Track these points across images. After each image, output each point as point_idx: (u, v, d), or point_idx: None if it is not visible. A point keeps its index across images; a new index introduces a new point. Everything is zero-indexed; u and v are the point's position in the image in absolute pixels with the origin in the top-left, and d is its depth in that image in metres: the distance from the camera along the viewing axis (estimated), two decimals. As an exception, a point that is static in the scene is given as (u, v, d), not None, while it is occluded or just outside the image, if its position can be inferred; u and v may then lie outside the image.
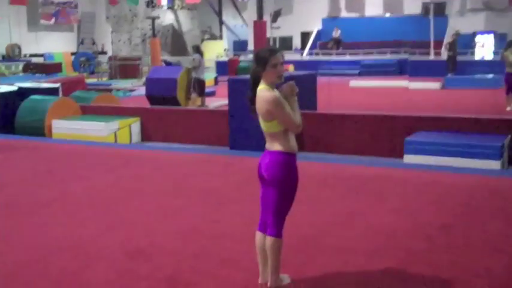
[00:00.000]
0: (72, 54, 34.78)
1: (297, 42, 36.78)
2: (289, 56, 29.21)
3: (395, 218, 5.79)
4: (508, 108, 14.22)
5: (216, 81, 24.99)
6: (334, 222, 5.72)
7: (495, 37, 28.36)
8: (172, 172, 8.25)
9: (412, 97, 18.24)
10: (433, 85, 20.95)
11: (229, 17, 41.42)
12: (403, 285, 4.21)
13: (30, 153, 10.01)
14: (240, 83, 9.79)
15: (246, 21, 36.43)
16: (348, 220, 5.80)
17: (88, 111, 12.78)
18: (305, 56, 32.97)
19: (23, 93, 12.91)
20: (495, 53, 26.59)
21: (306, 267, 4.55)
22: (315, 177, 7.36)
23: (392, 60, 29.19)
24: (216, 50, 36.85)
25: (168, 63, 28.61)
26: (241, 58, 31.79)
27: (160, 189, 7.22)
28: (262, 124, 4.02)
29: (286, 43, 34.95)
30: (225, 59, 33.07)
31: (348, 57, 30.90)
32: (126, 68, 27.72)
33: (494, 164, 8.07)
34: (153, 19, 30.15)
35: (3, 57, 33.31)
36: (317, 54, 32.59)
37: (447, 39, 26.37)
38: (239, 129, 9.72)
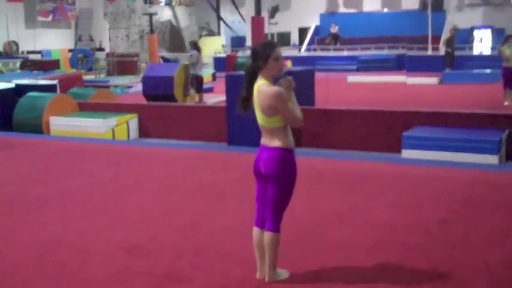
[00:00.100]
0: (70, 51, 34.74)
1: (294, 38, 36.76)
2: (287, 51, 29.22)
3: (394, 213, 5.80)
4: (506, 103, 14.24)
5: (214, 77, 24.98)
6: (332, 217, 5.73)
7: (493, 32, 28.33)
8: (171, 168, 8.25)
9: (410, 92, 18.24)
10: (431, 80, 20.96)
11: (227, 13, 41.37)
12: (401, 280, 4.22)
13: (28, 150, 10.00)
14: (238, 79, 9.77)
15: (244, 17, 36.37)
16: (346, 215, 5.80)
17: (86, 108, 12.76)
18: (303, 51, 32.96)
19: (20, 90, 12.88)
20: (493, 48, 26.58)
21: (303, 262, 4.55)
22: (313, 172, 7.37)
23: (390, 55, 29.19)
24: (214, 46, 36.81)
25: (166, 60, 28.59)
26: (239, 54, 31.76)
27: (159, 186, 7.22)
28: (262, 120, 4.01)
29: (284, 39, 34.94)
30: (223, 55, 33.05)
31: (345, 53, 30.89)
32: (123, 65, 27.68)
33: (492, 159, 8.08)
34: (151, 15, 30.06)
35: (1, 54, 33.27)
36: (315, 49, 32.58)
37: (445, 34, 26.35)
38: (237, 125, 9.72)
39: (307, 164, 7.15)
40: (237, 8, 37.91)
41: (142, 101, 15.25)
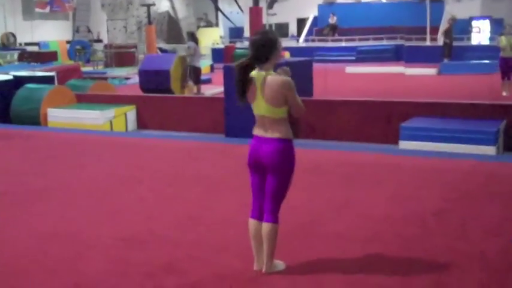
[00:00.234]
0: (68, 42, 34.64)
1: (293, 28, 36.69)
2: (285, 42, 29.15)
3: (391, 204, 5.81)
4: (504, 93, 14.25)
5: (212, 69, 24.94)
6: (329, 209, 5.74)
7: (491, 22, 28.31)
8: (169, 160, 8.25)
9: (408, 83, 18.23)
10: (429, 71, 20.95)
11: (225, 4, 41.26)
12: (399, 271, 4.23)
13: (26, 142, 9.99)
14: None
15: (242, 8, 36.29)
16: (343, 206, 5.81)
17: (84, 100, 12.75)
18: (301, 42, 32.90)
19: (18, 82, 12.85)
20: (491, 38, 26.56)
21: (300, 253, 4.56)
22: (310, 163, 7.37)
23: (389, 46, 29.16)
24: (212, 37, 36.73)
25: (163, 51, 28.52)
26: (238, 45, 31.70)
27: (157, 177, 7.23)
28: (267, 110, 4.00)
29: (282, 30, 34.87)
30: (221, 46, 32.98)
31: (344, 44, 30.85)
32: (121, 56, 27.62)
33: (490, 150, 8.08)
34: (149, 6, 29.99)
35: (-2, 46, 33.20)
36: (313, 40, 32.53)
37: (443, 24, 26.32)
38: (235, 116, 9.70)
39: (305, 155, 7.14)
40: (235, -2, 37.81)
41: (140, 92, 15.21)
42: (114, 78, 21.94)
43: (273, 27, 33.17)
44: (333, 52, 29.64)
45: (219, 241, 4.89)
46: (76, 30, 37.98)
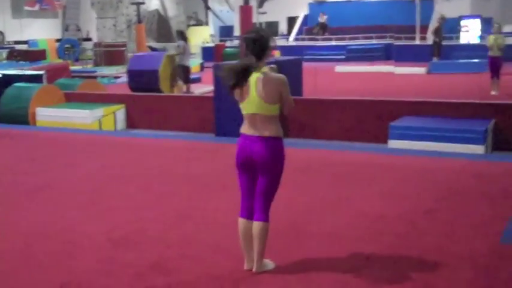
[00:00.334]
0: (57, 41, 34.48)
1: (283, 27, 36.70)
2: (275, 41, 29.10)
3: (381, 203, 5.82)
4: (493, 93, 14.31)
5: (202, 67, 24.90)
6: (320, 208, 5.74)
7: (481, 21, 28.41)
8: (158, 159, 8.23)
9: (398, 82, 18.28)
10: (418, 70, 21.01)
11: (215, 3, 41.24)
12: (389, 269, 4.24)
13: (14, 141, 9.94)
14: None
15: (232, 7, 36.27)
16: (334, 205, 5.81)
17: (72, 99, 12.69)
18: (291, 41, 32.92)
19: (6, 80, 12.78)
20: (481, 37, 26.66)
21: (291, 252, 4.56)
22: (300, 163, 7.37)
23: (378, 45, 29.23)
24: (202, 36, 36.68)
25: (153, 49, 28.43)
26: (228, 44, 31.68)
27: (146, 176, 7.21)
28: (261, 108, 4.02)
29: (272, 28, 34.87)
30: (211, 44, 32.95)
31: (334, 42, 30.89)
32: (111, 55, 27.51)
33: (479, 149, 8.11)
34: (138, 5, 29.92)
35: (-13, 44, 33.03)
36: (303, 39, 32.55)
37: (433, 24, 26.39)
38: (224, 115, 9.69)
39: (295, 154, 7.14)
40: (225, -3, 37.80)
41: (130, 91, 15.16)
42: (103, 77, 21.86)
43: (263, 26, 33.18)
44: (323, 51, 29.68)
45: (209, 240, 4.89)
46: (65, 28, 37.83)
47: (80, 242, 4.96)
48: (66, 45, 32.49)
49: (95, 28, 34.68)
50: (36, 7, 36.68)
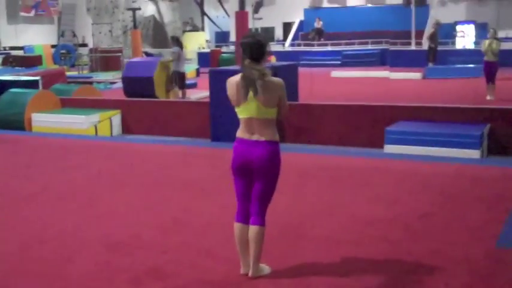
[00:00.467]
0: (53, 46, 34.45)
1: (279, 33, 36.75)
2: (271, 47, 29.13)
3: (376, 208, 5.82)
4: (488, 97, 14.34)
5: (198, 73, 24.91)
6: (316, 213, 5.74)
7: (476, 27, 28.51)
8: (154, 164, 8.22)
9: (393, 87, 18.31)
10: (414, 75, 21.06)
11: (211, 8, 41.25)
12: (384, 273, 4.24)
13: (10, 146, 9.92)
14: (222, 74, 9.75)
15: (228, 13, 36.32)
16: (329, 210, 5.82)
17: (68, 104, 12.67)
18: (287, 46, 32.96)
19: (2, 86, 12.77)
20: (476, 42, 26.74)
21: (286, 257, 4.56)
22: (296, 167, 7.37)
23: (374, 50, 29.28)
24: (198, 42, 36.68)
25: (149, 55, 28.42)
26: (224, 49, 31.70)
27: (142, 182, 7.20)
28: (260, 112, 4.03)
29: (268, 34, 34.91)
30: (207, 50, 32.97)
31: (329, 48, 30.93)
32: (107, 60, 27.49)
33: (474, 153, 8.12)
34: (134, 10, 29.92)
35: (-17, 50, 32.98)
36: (299, 45, 32.59)
37: (428, 29, 26.46)
38: (220, 121, 9.70)
39: (291, 159, 7.14)
40: (221, 3, 37.84)
41: (125, 97, 15.14)
42: (99, 82, 21.84)
43: (259, 32, 33.23)
44: (319, 56, 29.73)
45: (205, 245, 4.88)
46: (61, 34, 37.81)
47: (75, 247, 4.95)
48: (62, 51, 32.47)
49: (90, 34, 34.67)
50: (32, 13, 36.65)
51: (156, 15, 36.82)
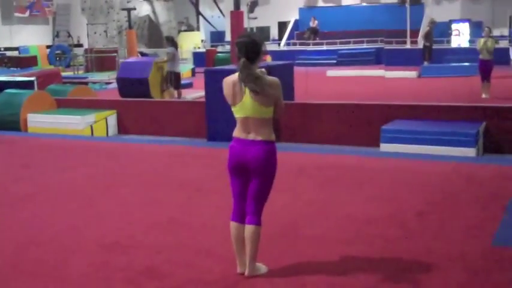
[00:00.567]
0: (48, 47, 34.40)
1: (274, 32, 36.74)
2: (266, 46, 29.12)
3: (372, 206, 5.83)
4: (483, 96, 14.37)
5: (194, 73, 24.89)
6: (312, 211, 5.74)
7: (471, 25, 28.55)
8: (150, 165, 8.22)
9: (389, 86, 18.32)
10: (409, 74, 21.08)
11: (206, 8, 41.19)
12: (381, 272, 4.24)
13: (6, 147, 9.90)
14: (217, 74, 9.74)
15: (223, 12, 36.28)
16: (325, 209, 5.82)
17: (64, 105, 12.65)
18: (282, 46, 32.96)
19: (-3, 87, 12.74)
20: (471, 41, 26.79)
21: (283, 256, 4.56)
22: (292, 167, 7.38)
23: (370, 49, 29.30)
24: (193, 41, 36.67)
25: (144, 55, 28.37)
26: (219, 49, 31.68)
27: (138, 182, 7.19)
28: (256, 110, 4.03)
29: (263, 33, 34.88)
30: (202, 50, 32.95)
31: (325, 47, 30.94)
32: (102, 61, 27.45)
33: (470, 151, 8.14)
34: (129, 10, 29.87)
35: (-23, 51, 32.89)
36: (294, 44, 32.60)
37: (423, 28, 26.50)
38: (216, 120, 9.69)
39: (287, 158, 7.14)
40: (216, 2, 37.79)
41: (121, 97, 15.12)
42: (94, 83, 21.81)
43: (255, 31, 33.21)
44: (314, 56, 29.73)
45: (201, 245, 4.88)
46: (56, 34, 37.71)
47: (71, 247, 4.95)
48: (57, 52, 32.41)
49: (85, 34, 34.60)
50: (27, 13, 36.54)
51: (151, 15, 36.77)
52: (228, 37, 32.33)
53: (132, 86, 15.03)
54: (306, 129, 9.93)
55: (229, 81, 4.11)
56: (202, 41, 38.61)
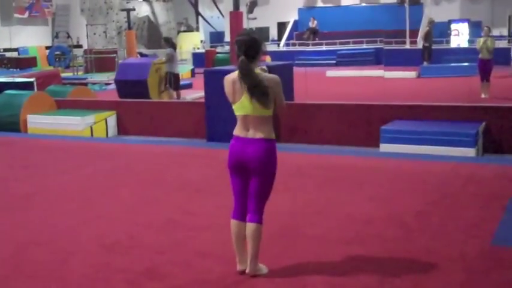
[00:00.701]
0: (47, 48, 34.40)
1: (273, 32, 36.75)
2: (266, 46, 29.10)
3: (372, 207, 5.83)
4: (483, 96, 14.37)
5: (193, 73, 24.89)
6: (311, 212, 5.75)
7: (470, 25, 28.56)
8: (149, 165, 8.22)
9: (389, 86, 18.29)
10: (409, 74, 21.07)
11: (206, 8, 41.18)
12: (381, 272, 4.24)
13: (6, 148, 9.90)
14: (216, 74, 9.75)
15: (223, 13, 36.27)
16: (325, 209, 5.82)
17: (63, 106, 12.66)
18: (282, 46, 32.96)
19: (-3, 88, 12.75)
20: (470, 41, 26.80)
21: (283, 256, 4.56)
22: (292, 167, 7.38)
23: (369, 49, 29.29)
24: (192, 42, 36.66)
25: (143, 56, 28.38)
26: (218, 49, 31.68)
27: (138, 183, 7.20)
28: (255, 108, 4.03)
29: (262, 34, 34.87)
30: (201, 50, 32.95)
31: (324, 47, 30.94)
32: (101, 61, 27.42)
33: (470, 151, 8.14)
34: (129, 11, 29.89)
35: (-23, 52, 32.88)
36: (294, 44, 32.60)
37: (423, 28, 26.50)
38: (215, 121, 9.70)
39: (286, 158, 7.15)
40: (215, 3, 37.78)
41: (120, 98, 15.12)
42: (94, 83, 21.81)
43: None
44: (314, 56, 29.72)
45: (201, 245, 4.88)
46: (55, 35, 37.71)
47: (71, 248, 4.95)
48: (57, 53, 32.40)
49: (85, 35, 34.61)
50: (26, 14, 36.51)
51: (151, 16, 36.80)
52: (227, 37, 32.37)
53: (131, 88, 15.01)
54: (305, 130, 9.94)
55: (230, 79, 4.12)
56: (201, 41, 38.60)
